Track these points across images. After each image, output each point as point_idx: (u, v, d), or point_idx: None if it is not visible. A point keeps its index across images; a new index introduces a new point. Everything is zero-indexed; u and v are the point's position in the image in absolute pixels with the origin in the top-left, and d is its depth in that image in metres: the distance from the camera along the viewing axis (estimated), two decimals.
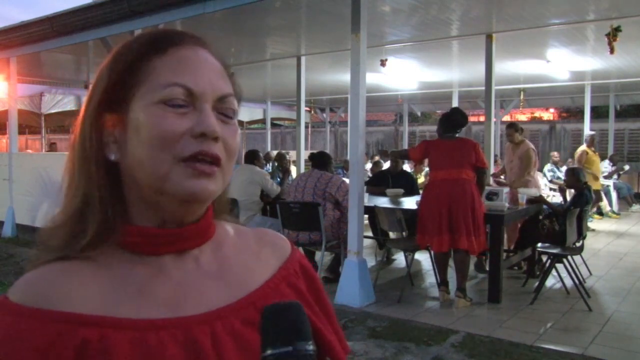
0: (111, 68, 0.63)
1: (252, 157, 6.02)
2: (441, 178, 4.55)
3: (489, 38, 6.67)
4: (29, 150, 13.79)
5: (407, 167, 10.06)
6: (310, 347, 0.51)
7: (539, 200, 5.55)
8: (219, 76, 0.65)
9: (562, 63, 8.69)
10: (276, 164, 8.90)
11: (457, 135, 4.75)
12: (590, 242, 5.92)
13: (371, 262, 5.91)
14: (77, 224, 0.62)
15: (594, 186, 7.76)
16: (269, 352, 0.50)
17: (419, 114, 18.59)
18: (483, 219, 4.53)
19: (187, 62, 0.63)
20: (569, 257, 4.78)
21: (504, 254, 5.00)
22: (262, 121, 16.66)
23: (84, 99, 0.66)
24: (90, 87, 0.66)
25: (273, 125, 17.96)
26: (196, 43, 0.66)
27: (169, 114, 0.60)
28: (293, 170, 9.92)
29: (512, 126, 6.21)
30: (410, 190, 6.39)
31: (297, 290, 0.70)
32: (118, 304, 0.59)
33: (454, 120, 4.73)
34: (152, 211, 0.63)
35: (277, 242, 0.76)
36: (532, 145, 6.10)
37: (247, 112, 15.16)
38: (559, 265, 4.79)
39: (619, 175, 10.88)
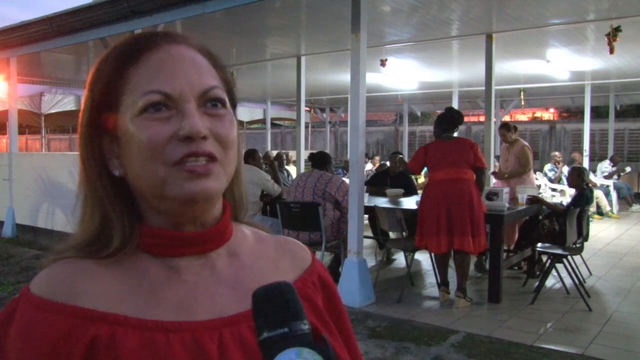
0: (92, 87, 0.63)
1: (248, 157, 6.00)
2: (440, 178, 4.54)
3: (489, 38, 6.67)
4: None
5: None
6: (306, 326, 0.50)
7: (536, 200, 5.55)
8: (199, 70, 0.63)
9: (562, 63, 8.69)
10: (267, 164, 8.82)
11: (454, 134, 4.75)
12: (590, 242, 5.90)
13: (371, 262, 5.91)
14: (100, 241, 0.62)
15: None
16: (265, 335, 0.49)
17: (419, 114, 18.57)
18: (483, 219, 4.53)
19: (161, 65, 0.61)
20: (569, 257, 4.78)
21: (504, 254, 5.00)
22: (262, 121, 16.66)
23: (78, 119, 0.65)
24: (81, 106, 0.65)
25: (273, 125, 17.96)
26: (170, 41, 0.64)
27: (152, 123, 0.60)
28: (293, 170, 9.92)
29: (504, 126, 6.20)
30: (408, 190, 6.41)
31: (313, 305, 0.67)
32: (130, 303, 0.60)
33: (451, 120, 4.72)
34: (163, 216, 0.63)
35: (297, 251, 0.74)
36: (526, 143, 6.13)
37: (247, 112, 15.15)
38: (559, 265, 4.79)
39: (619, 176, 10.88)
